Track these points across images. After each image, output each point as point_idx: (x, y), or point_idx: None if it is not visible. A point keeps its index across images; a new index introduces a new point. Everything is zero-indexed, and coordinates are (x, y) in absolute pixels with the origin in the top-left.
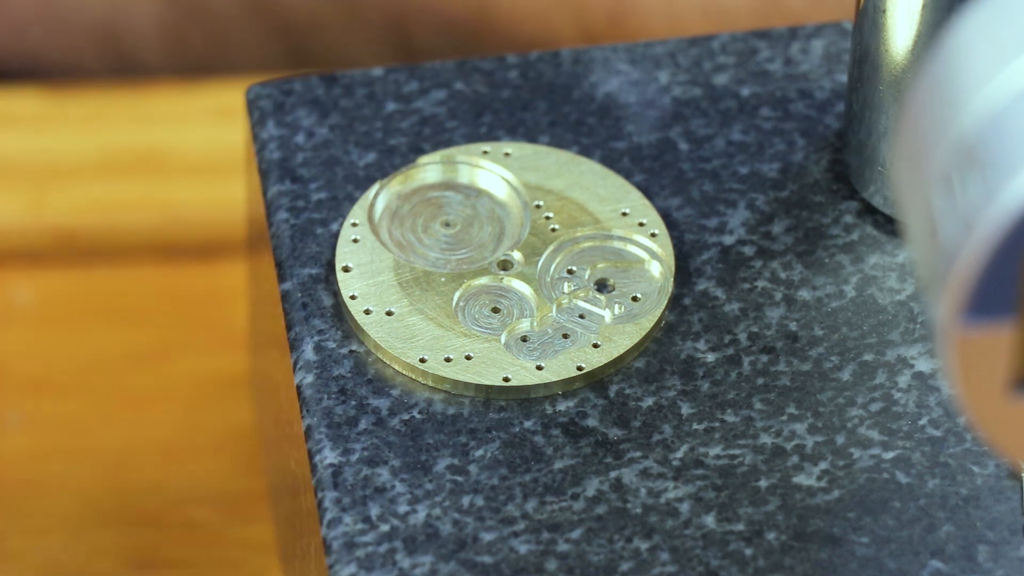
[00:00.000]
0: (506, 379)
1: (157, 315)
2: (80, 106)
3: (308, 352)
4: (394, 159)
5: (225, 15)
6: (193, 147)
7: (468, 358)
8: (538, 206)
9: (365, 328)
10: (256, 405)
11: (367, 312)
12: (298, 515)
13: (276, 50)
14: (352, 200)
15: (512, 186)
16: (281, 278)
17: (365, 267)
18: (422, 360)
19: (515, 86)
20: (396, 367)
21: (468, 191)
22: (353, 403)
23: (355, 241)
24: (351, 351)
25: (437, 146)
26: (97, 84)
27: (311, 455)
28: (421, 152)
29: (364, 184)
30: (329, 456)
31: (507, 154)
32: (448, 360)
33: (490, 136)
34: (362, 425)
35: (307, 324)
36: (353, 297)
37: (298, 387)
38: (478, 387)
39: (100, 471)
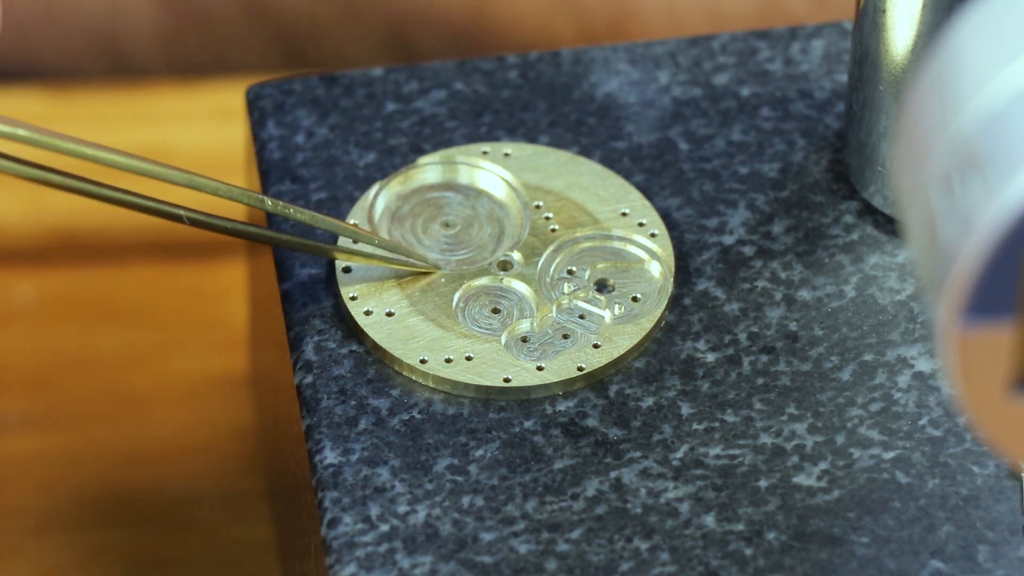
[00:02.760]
0: (507, 380)
1: (157, 315)
2: (80, 106)
3: (308, 352)
4: (394, 159)
5: (223, 18)
6: (193, 147)
7: (468, 359)
8: (538, 206)
9: (365, 329)
10: (256, 405)
11: (367, 313)
12: (298, 515)
13: (275, 53)
14: (352, 200)
15: (512, 186)
16: (281, 278)
17: (365, 268)
18: (422, 361)
19: (515, 86)
20: (396, 368)
21: (468, 191)
22: (353, 403)
23: (355, 242)
24: (351, 351)
25: (437, 146)
26: (97, 85)
27: (311, 455)
28: (421, 152)
29: (364, 184)
30: (329, 456)
31: (507, 154)
32: (448, 361)
33: (490, 136)
34: (362, 425)
35: (307, 324)
36: (353, 298)
37: (298, 387)
38: (479, 388)
39: (100, 471)
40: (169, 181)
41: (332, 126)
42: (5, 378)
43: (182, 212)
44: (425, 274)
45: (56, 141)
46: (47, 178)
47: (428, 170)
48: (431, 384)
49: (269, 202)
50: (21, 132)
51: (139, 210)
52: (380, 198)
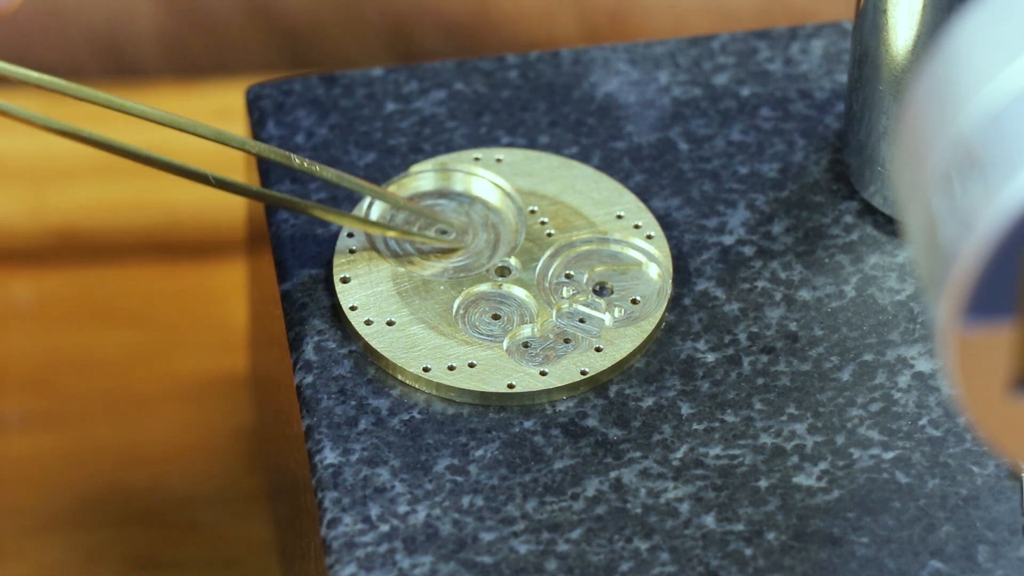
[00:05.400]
0: (511, 386)
1: (157, 315)
2: (81, 107)
3: (308, 352)
4: (394, 159)
5: (224, 19)
6: (193, 147)
7: (471, 366)
8: (532, 211)
9: (367, 339)
10: (256, 405)
11: (368, 323)
12: (298, 515)
13: (276, 53)
14: (352, 201)
15: (506, 192)
16: (281, 278)
17: (363, 277)
18: (426, 369)
19: (515, 86)
20: (400, 377)
21: (462, 199)
22: (353, 403)
23: (352, 252)
24: (351, 351)
25: (437, 146)
26: (98, 86)
27: (311, 455)
28: (421, 152)
29: None
30: (329, 456)
31: (499, 160)
32: (451, 368)
33: (490, 136)
34: (362, 425)
35: (307, 324)
36: (353, 308)
37: (298, 387)
38: (483, 395)
39: (100, 471)
40: (197, 134)
41: (332, 126)
42: (5, 378)
43: (209, 174)
44: (424, 280)
45: (86, 91)
46: (76, 131)
47: (422, 178)
48: (435, 392)
49: (295, 159)
50: (47, 80)
51: (167, 169)
52: (374, 208)
